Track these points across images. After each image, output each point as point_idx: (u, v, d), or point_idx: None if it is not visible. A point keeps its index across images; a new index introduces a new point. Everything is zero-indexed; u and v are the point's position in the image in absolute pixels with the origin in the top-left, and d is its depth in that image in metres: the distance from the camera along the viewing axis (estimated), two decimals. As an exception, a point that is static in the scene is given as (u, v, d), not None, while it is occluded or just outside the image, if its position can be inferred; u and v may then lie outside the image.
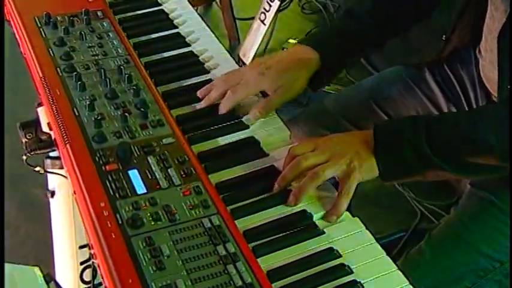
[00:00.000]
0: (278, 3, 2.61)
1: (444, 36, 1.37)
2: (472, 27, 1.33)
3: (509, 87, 1.17)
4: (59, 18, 1.37)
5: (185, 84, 1.28)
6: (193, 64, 1.34)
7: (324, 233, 0.99)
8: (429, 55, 1.42)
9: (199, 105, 1.23)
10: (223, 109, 1.20)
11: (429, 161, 1.05)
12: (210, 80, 1.28)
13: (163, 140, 1.10)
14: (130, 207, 0.97)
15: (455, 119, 1.13)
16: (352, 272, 0.94)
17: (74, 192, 1.04)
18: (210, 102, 1.22)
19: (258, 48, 2.69)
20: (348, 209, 1.04)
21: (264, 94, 1.24)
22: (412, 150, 1.05)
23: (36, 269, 0.93)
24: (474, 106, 1.39)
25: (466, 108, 1.40)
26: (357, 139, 1.10)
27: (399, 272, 0.95)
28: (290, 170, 1.06)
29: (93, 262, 1.12)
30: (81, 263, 1.34)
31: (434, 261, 1.21)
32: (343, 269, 0.94)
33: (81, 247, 1.34)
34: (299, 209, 1.03)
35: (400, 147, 1.06)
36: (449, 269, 1.20)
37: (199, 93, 1.24)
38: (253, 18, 2.73)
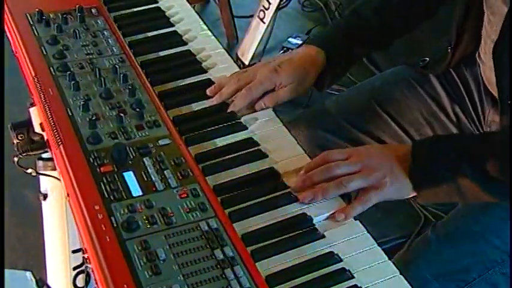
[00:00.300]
0: (278, 0, 2.62)
1: (450, 47, 1.38)
2: (476, 33, 1.34)
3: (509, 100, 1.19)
4: (51, 16, 1.37)
5: (182, 84, 1.29)
6: (190, 63, 1.35)
7: (324, 236, 1.00)
8: (438, 66, 1.43)
9: (197, 106, 1.24)
10: (237, 106, 1.22)
11: (462, 174, 1.07)
12: (207, 80, 1.29)
13: (160, 141, 1.10)
14: (126, 210, 0.98)
15: (492, 139, 1.15)
16: (353, 277, 0.94)
17: (67, 195, 1.04)
18: (222, 99, 1.23)
19: (257, 47, 2.70)
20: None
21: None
22: (448, 167, 1.08)
23: (29, 274, 0.94)
24: (479, 107, 1.40)
25: (471, 110, 1.41)
26: (393, 153, 1.11)
27: (401, 277, 0.95)
28: (320, 173, 1.07)
29: (86, 267, 1.13)
30: (74, 268, 1.34)
31: (440, 251, 1.22)
32: (344, 274, 0.94)
33: (74, 252, 1.35)
34: (299, 212, 1.04)
35: (437, 165, 1.09)
36: (455, 259, 1.21)
37: (208, 91, 1.25)
38: (252, 16, 2.74)
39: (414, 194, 1.10)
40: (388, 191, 1.07)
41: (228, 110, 1.22)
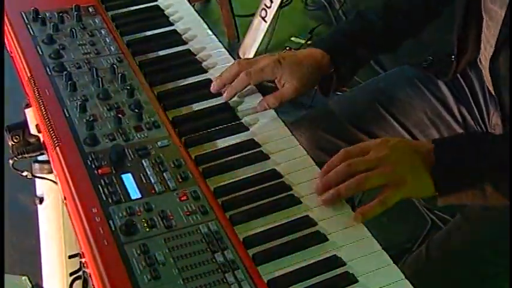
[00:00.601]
0: (280, -2, 2.63)
1: (453, 56, 1.39)
2: (477, 38, 1.35)
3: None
4: (47, 14, 1.38)
5: (181, 84, 1.30)
6: (190, 63, 1.35)
7: (327, 240, 1.00)
8: (444, 75, 1.44)
9: (197, 106, 1.24)
10: (234, 89, 1.23)
11: (485, 176, 1.08)
12: (207, 80, 1.30)
13: (159, 143, 1.11)
14: (124, 213, 0.99)
15: None
16: (356, 281, 0.95)
17: (65, 198, 1.05)
18: (222, 83, 1.25)
19: (258, 47, 2.71)
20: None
21: (264, 90, 1.26)
22: (472, 168, 1.08)
23: (25, 278, 0.95)
24: (484, 109, 1.41)
25: (476, 112, 1.42)
26: (414, 149, 1.11)
27: (407, 281, 0.96)
28: (338, 174, 1.06)
29: (83, 272, 1.13)
30: (71, 274, 1.35)
31: (434, 267, 1.22)
32: (348, 278, 0.95)
33: (71, 257, 1.35)
34: (302, 215, 1.04)
35: (461, 166, 1.09)
36: (451, 274, 1.22)
37: (213, 81, 1.26)
38: (253, 15, 2.75)
39: (435, 193, 1.09)
40: (409, 188, 1.06)
41: (225, 93, 1.23)
